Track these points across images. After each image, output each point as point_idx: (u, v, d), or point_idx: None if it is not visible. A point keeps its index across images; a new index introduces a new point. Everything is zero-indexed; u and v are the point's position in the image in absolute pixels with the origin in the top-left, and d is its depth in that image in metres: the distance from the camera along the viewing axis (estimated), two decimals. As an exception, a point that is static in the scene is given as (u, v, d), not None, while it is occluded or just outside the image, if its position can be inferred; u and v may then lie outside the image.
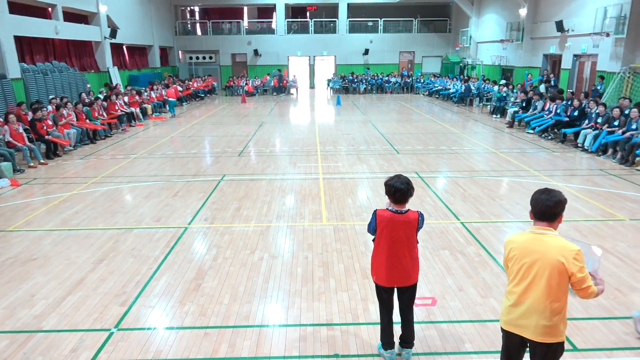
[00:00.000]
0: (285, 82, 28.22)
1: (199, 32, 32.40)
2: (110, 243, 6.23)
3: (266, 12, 34.52)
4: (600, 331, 4.16)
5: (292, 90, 28.51)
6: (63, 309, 4.63)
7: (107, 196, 8.30)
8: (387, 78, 28.28)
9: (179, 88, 22.44)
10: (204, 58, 31.34)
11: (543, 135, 13.38)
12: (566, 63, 18.94)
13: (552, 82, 18.47)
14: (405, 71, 29.49)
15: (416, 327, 3.99)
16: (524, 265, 2.76)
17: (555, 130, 12.92)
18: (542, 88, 16.41)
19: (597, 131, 11.27)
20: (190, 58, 31.18)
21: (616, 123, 10.92)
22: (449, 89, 22.77)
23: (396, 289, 3.68)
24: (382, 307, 3.74)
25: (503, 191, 8.39)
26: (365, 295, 4.82)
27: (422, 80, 27.68)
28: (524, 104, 15.04)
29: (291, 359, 3.83)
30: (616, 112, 10.97)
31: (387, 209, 3.58)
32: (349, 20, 31.41)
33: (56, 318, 4.46)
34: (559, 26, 18.37)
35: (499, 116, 17.40)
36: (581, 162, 10.62)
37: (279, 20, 30.98)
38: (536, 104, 14.39)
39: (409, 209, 3.58)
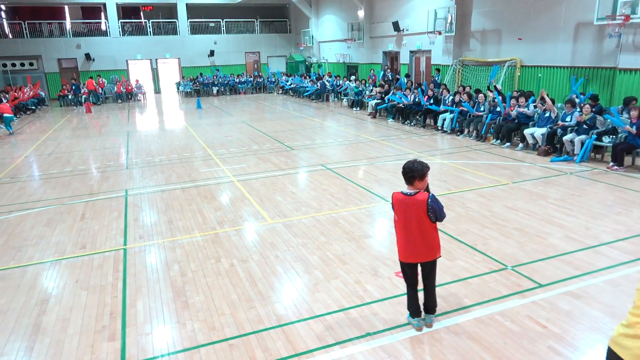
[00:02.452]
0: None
1: (10, 35, 27.81)
2: (42, 280, 5.33)
3: (92, 12, 31.45)
4: (548, 268, 5.19)
5: (140, 97, 26.56)
6: (38, 360, 3.93)
7: (-6, 230, 6.94)
8: (238, 79, 28.27)
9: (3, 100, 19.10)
10: (22, 65, 27.13)
11: (405, 122, 15.16)
12: (404, 58, 21.57)
13: (390, 76, 20.84)
14: (256, 71, 29.89)
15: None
16: None
17: (417, 116, 14.74)
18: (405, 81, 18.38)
19: (452, 115, 13.26)
20: (4, 65, 26.68)
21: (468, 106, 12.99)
22: (306, 87, 23.85)
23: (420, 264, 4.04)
24: (405, 281, 4.10)
25: (405, 172, 9.40)
26: (356, 278, 5.11)
27: (275, 80, 28.38)
28: (383, 96, 16.74)
29: (332, 347, 3.95)
30: (465, 97, 13.07)
31: (400, 191, 3.91)
32: (190, 21, 30.46)
33: (38, 372, 3.78)
34: (395, 26, 20.81)
35: (358, 109, 19.00)
36: (448, 142, 12.41)
37: (111, 21, 28.44)
38: (396, 94, 16.15)
39: (418, 191, 3.85)
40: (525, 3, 14.50)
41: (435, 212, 3.82)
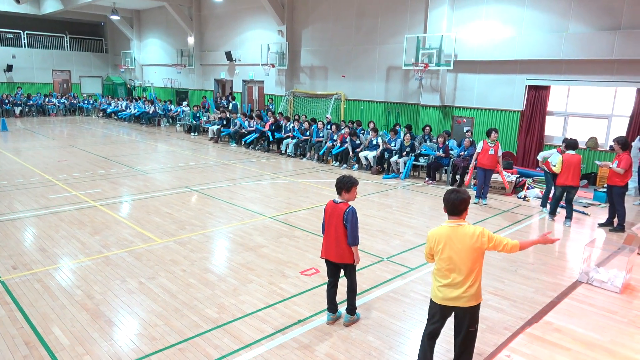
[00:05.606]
0: None
1: None
2: None
3: None
4: (412, 257, 6.61)
5: None
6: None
7: None
8: (48, 99, 25.28)
9: None
10: None
11: (250, 147, 16.04)
12: (237, 87, 22.55)
13: (225, 103, 21.65)
14: (72, 92, 27.15)
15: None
16: (449, 252, 3.46)
17: (261, 141, 15.76)
18: (244, 108, 19.20)
19: (295, 140, 14.68)
20: None
21: (307, 133, 14.58)
22: (131, 110, 22.80)
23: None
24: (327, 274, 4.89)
25: (270, 191, 10.25)
26: (269, 280, 5.71)
27: (91, 102, 26.24)
28: (224, 122, 17.34)
29: (277, 333, 4.50)
30: (306, 125, 14.64)
31: (333, 200, 4.71)
32: (-20, 30, 26.16)
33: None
34: (228, 56, 21.73)
35: (196, 134, 19.14)
36: (294, 164, 13.70)
37: None
38: (235, 121, 16.93)
39: (343, 202, 4.61)
40: (347, 46, 17.02)
41: (349, 222, 4.46)
